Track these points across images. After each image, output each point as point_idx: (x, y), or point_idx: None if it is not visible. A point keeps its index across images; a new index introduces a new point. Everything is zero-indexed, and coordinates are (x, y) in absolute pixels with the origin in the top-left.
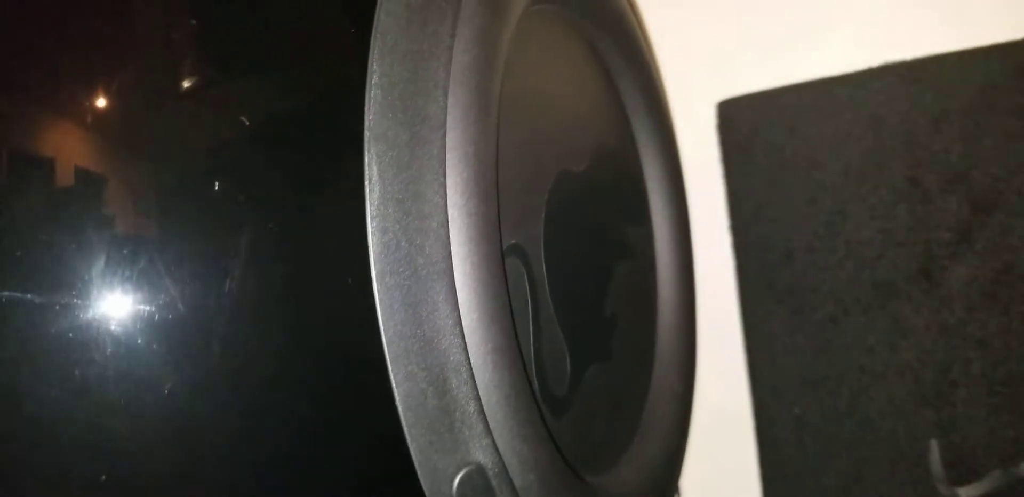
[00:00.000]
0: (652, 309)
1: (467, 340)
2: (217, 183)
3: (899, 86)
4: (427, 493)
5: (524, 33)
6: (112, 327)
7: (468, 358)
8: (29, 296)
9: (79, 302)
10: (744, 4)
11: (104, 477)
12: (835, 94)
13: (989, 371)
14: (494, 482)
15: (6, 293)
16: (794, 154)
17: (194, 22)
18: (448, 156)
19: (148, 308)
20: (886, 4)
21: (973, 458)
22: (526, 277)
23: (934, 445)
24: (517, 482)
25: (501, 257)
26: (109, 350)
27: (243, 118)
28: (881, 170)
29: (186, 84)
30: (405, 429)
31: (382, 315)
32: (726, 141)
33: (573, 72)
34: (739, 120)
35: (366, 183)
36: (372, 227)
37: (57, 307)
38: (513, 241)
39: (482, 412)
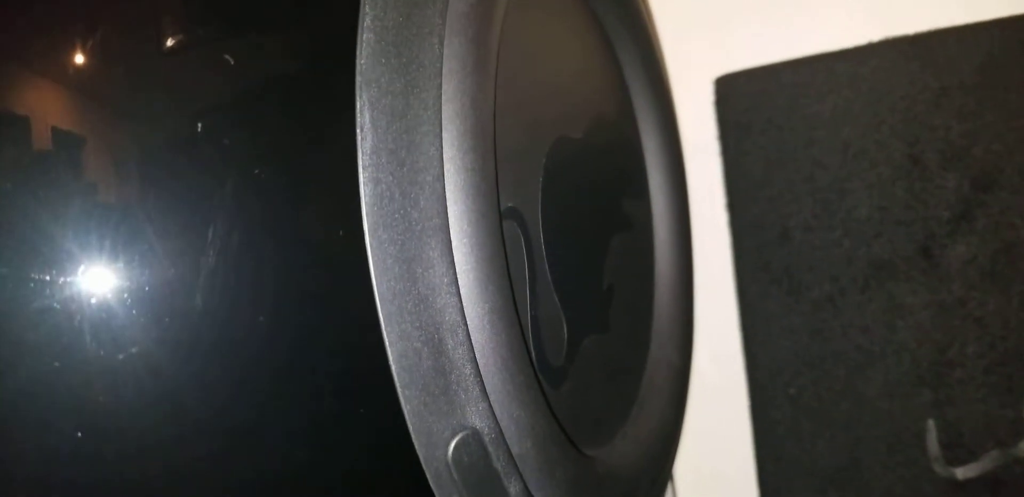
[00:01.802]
0: (649, 283)
1: (463, 300)
2: (200, 130)
3: (899, 62)
4: (422, 458)
5: None
6: (98, 286)
7: (464, 318)
8: (8, 269)
9: (65, 275)
10: None
11: (84, 438)
12: (834, 70)
13: (987, 351)
14: (490, 448)
15: None
16: (792, 131)
17: None
18: (444, 107)
19: (131, 263)
20: None
21: (970, 438)
22: (523, 242)
23: (931, 425)
24: (514, 449)
25: (499, 216)
26: (94, 310)
27: (227, 57)
28: (880, 147)
29: (165, 29)
30: (399, 390)
31: (375, 270)
32: (724, 117)
33: (573, 38)
34: (737, 96)
35: (357, 131)
36: (364, 177)
37: (38, 280)
38: (509, 204)
39: (479, 375)
